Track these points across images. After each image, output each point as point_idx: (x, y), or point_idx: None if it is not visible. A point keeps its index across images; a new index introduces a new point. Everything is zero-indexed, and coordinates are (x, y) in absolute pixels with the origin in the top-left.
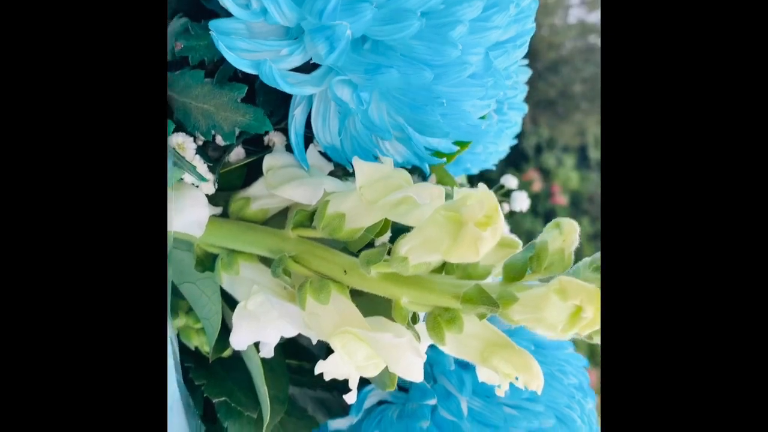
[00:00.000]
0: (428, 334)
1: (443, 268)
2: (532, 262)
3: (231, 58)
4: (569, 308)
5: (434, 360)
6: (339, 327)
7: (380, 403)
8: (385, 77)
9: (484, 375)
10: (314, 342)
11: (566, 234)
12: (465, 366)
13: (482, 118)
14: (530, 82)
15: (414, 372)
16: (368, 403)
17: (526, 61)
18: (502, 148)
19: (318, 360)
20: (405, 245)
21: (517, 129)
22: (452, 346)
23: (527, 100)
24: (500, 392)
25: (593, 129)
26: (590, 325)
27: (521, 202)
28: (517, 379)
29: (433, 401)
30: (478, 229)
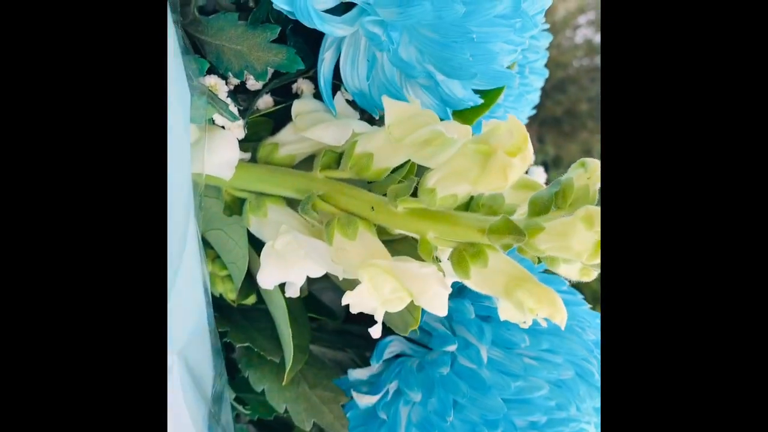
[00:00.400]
0: (453, 269)
1: (468, 206)
2: (557, 198)
3: None
4: (594, 236)
5: (453, 310)
6: (366, 261)
7: (399, 356)
8: (417, 10)
9: (506, 313)
10: (341, 278)
11: (591, 171)
12: (485, 318)
13: (509, 68)
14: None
15: (439, 304)
16: (388, 354)
17: (547, 25)
18: (522, 114)
19: (339, 319)
20: (433, 176)
21: (536, 97)
22: (477, 281)
23: (534, 118)
24: (524, 326)
25: (599, 148)
26: None
27: (538, 176)
28: (539, 317)
29: (453, 347)
30: (507, 156)
